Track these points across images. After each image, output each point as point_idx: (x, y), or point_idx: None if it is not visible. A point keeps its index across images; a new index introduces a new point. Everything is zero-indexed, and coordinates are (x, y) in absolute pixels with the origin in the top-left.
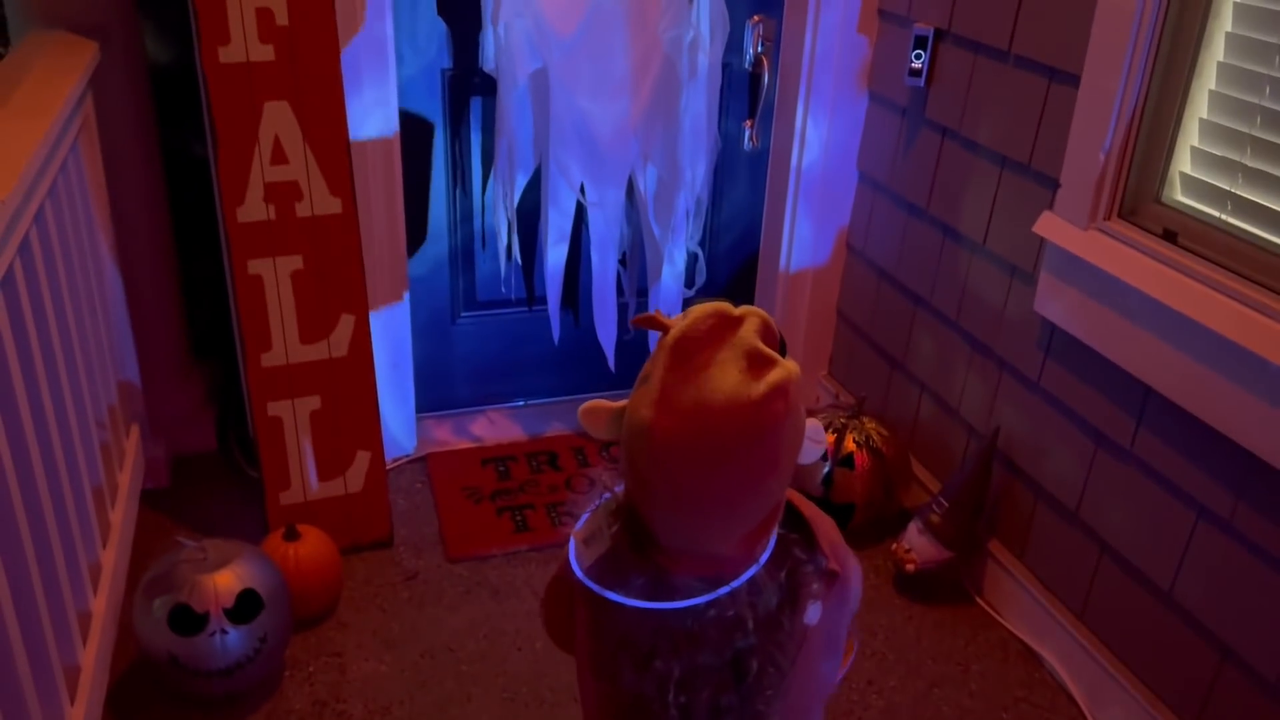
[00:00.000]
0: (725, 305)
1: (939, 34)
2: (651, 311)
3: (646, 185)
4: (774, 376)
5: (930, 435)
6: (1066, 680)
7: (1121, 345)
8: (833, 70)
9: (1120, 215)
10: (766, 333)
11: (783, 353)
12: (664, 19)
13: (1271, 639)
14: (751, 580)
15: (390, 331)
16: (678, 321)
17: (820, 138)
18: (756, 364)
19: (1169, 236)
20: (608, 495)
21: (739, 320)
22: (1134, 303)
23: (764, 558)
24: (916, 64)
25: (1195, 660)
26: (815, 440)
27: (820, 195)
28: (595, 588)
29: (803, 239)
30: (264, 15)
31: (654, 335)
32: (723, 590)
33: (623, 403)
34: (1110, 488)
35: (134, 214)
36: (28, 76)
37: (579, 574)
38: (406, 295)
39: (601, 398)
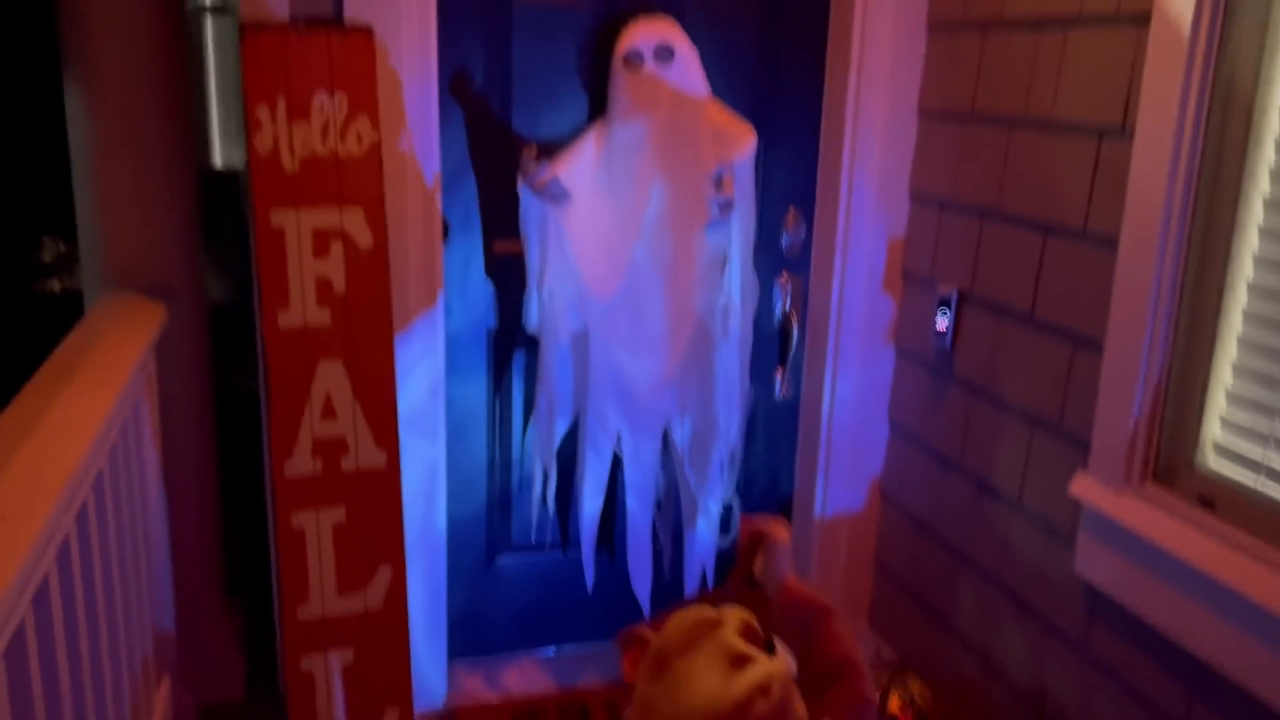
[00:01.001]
0: (705, 609)
1: (962, 296)
2: (689, 592)
3: (682, 436)
4: (754, 675)
5: (976, 694)
6: None
7: (1166, 612)
8: (859, 326)
9: (1155, 479)
10: (749, 632)
11: (770, 650)
12: (698, 287)
13: None
14: None
15: (426, 578)
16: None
17: (850, 388)
18: (736, 664)
19: (1206, 504)
20: None
21: (718, 622)
22: (1175, 570)
23: None
24: (942, 324)
25: None
26: None
27: (852, 444)
28: None
29: (836, 487)
30: (323, 283)
31: (688, 588)
32: None
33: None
34: None
35: (184, 456)
36: (98, 344)
37: None
38: (444, 543)
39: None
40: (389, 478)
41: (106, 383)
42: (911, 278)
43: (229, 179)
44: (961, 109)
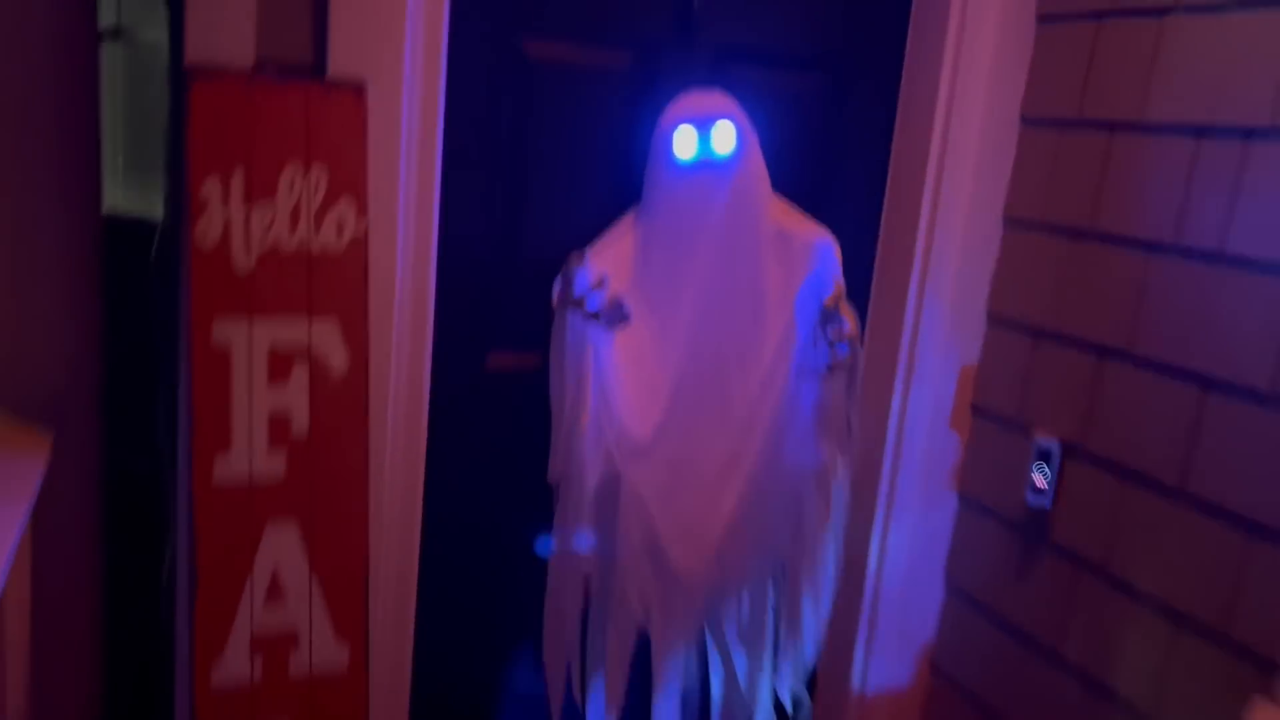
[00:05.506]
0: None
1: (1067, 448)
2: None
3: (736, 618)
4: None
5: None
6: None
7: None
8: (918, 467)
9: None
10: None
11: None
12: (766, 429)
13: None
14: None
15: None
16: None
17: (903, 540)
18: None
19: None
20: None
21: None
22: None
23: None
24: (1040, 480)
25: None
26: None
27: (900, 606)
28: None
29: (879, 656)
30: (278, 420)
31: None
32: None
33: None
34: None
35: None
36: None
37: None
38: None
39: None
40: (352, 684)
41: None
42: (985, 414)
43: (126, 229)
44: (1074, 222)
